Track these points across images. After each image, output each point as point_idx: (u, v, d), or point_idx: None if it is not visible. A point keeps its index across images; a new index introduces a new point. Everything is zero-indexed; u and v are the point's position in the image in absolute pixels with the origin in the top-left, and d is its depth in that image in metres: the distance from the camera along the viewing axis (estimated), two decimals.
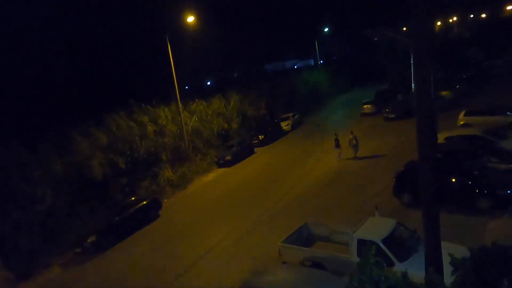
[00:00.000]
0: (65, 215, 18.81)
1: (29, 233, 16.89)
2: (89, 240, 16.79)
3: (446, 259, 5.51)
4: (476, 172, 13.18)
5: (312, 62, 63.84)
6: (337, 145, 22.02)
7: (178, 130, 27.01)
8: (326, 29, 57.68)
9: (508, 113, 20.16)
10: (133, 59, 32.57)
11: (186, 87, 40.04)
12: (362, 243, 9.66)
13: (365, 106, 33.78)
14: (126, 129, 24.45)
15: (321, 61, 56.41)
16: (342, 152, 22.01)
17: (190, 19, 24.87)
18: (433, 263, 6.20)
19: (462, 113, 21.64)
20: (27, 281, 15.41)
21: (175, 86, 25.85)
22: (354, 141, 21.74)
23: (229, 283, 11.39)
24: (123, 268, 14.96)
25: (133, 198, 20.03)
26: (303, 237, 12.16)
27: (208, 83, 51.53)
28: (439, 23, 68.12)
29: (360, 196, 16.21)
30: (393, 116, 29.16)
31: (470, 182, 12.87)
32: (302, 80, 45.82)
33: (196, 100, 30.79)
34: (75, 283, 14.76)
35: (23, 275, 15.54)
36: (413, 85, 25.64)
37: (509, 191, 12.33)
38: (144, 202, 19.54)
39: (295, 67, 64.16)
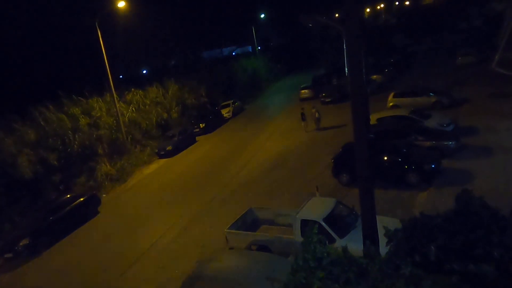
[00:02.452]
0: None
1: None
2: (21, 243, 15.61)
3: (381, 232, 5.93)
4: (405, 150, 14.22)
5: (250, 49, 64.05)
6: (303, 118, 23.86)
7: (115, 122, 25.79)
8: (262, 15, 58.05)
9: (431, 94, 21.90)
10: (61, 48, 30.31)
11: (120, 76, 38.28)
12: (305, 223, 10.02)
13: (303, 91, 34.74)
14: (56, 122, 22.86)
15: (259, 48, 56.80)
16: (308, 125, 23.77)
17: (121, 4, 23.56)
18: (370, 236, 6.63)
19: (391, 95, 23.10)
20: None
21: (108, 76, 24.52)
22: (317, 115, 23.57)
23: (177, 274, 11.27)
24: (61, 270, 14.11)
25: (68, 196, 18.83)
26: (248, 222, 12.35)
27: (144, 71, 49.64)
28: (368, 10, 71.75)
29: (302, 178, 16.76)
30: (329, 100, 30.34)
31: (400, 160, 13.86)
32: (240, 67, 45.91)
33: (132, 89, 29.60)
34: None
35: None
36: (346, 69, 26.88)
37: (433, 166, 13.50)
38: (81, 199, 18.49)
39: (233, 54, 63.96)
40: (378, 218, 7.30)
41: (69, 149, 22.21)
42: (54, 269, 14.39)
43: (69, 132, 22.85)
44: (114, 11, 25.04)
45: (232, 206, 15.44)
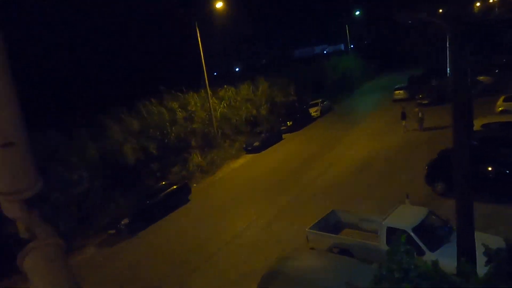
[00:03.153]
0: (100, 198, 19.58)
1: (66, 215, 17.71)
2: (122, 222, 17.46)
3: (479, 250, 5.37)
4: None
5: (342, 47, 62.47)
6: (403, 117, 22.97)
7: (207, 116, 27.31)
8: (357, 13, 56.10)
9: None
10: (163, 46, 33.01)
11: (215, 73, 40.26)
12: (391, 231, 9.50)
13: (397, 92, 32.85)
14: (156, 115, 25.00)
15: (351, 46, 55.11)
16: (408, 125, 22.82)
17: (219, 4, 24.83)
18: (466, 253, 6.04)
19: (501, 98, 20.66)
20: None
21: (204, 72, 26.05)
22: (420, 114, 22.46)
23: (256, 267, 11.56)
24: (154, 249, 15.50)
25: (164, 183, 20.59)
26: (330, 224, 12.13)
27: (237, 69, 51.57)
28: (478, 4, 64.84)
29: (390, 183, 15.91)
30: (426, 101, 28.23)
31: (507, 171, 12.35)
32: (332, 66, 45.07)
33: (225, 86, 30.96)
34: (109, 262, 15.42)
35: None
36: (448, 70, 24.82)
37: None
38: (174, 187, 20.07)
39: (325, 52, 62.98)
40: (476, 234, 6.63)
41: (166, 140, 24.16)
42: (148, 247, 15.86)
43: (167, 124, 24.84)
44: (211, 10, 26.45)
45: (314, 206, 15.30)
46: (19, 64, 21.94)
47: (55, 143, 19.72)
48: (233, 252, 13.64)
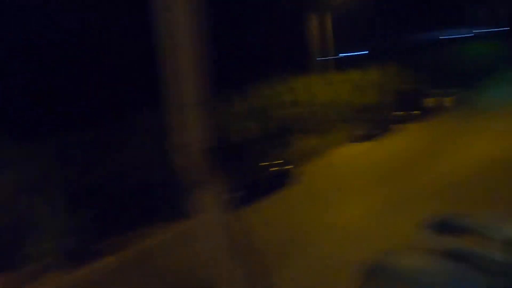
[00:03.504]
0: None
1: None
2: (237, 192, 18.14)
3: None
4: None
5: (495, 29, 53.21)
6: None
7: (315, 100, 26.80)
8: None
9: None
10: (278, 26, 32.84)
11: (340, 55, 38.59)
12: None
13: None
14: (264, 97, 25.42)
15: (497, 29, 46.51)
16: None
17: None
18: None
19: None
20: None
21: (315, 55, 25.52)
22: None
23: (358, 259, 10.80)
24: (250, 225, 15.57)
25: (267, 163, 20.86)
26: (451, 226, 10.67)
27: (360, 53, 48.60)
28: None
29: None
30: None
31: None
32: (475, 50, 39.39)
33: (336, 71, 29.95)
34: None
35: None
36: None
37: None
38: (277, 168, 20.15)
39: (471, 34, 54.51)
40: None
41: (271, 122, 24.43)
42: (257, 220, 16.05)
43: (275, 106, 25.08)
44: None
45: (434, 204, 13.60)
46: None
47: None
48: (334, 240, 13.06)
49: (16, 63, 22.96)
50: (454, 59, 38.54)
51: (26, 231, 13.29)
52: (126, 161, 16.75)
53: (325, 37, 31.80)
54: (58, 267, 13.04)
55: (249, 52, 32.50)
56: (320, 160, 23.73)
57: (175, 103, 2.85)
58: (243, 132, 22.95)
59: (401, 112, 28.56)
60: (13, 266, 12.58)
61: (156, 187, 15.28)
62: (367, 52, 44.85)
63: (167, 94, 2.82)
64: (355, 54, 39.93)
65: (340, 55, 38.77)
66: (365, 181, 18.31)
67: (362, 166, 20.77)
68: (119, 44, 24.79)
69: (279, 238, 14.05)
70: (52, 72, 23.95)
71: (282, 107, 25.37)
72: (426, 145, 21.80)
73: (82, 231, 13.25)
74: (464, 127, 23.69)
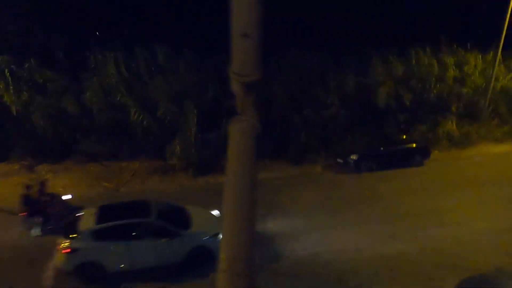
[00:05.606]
0: (343, 127, 20.80)
1: (310, 130, 19.85)
2: (352, 157, 18.29)
3: None
4: None
5: None
6: None
7: (484, 84, 23.34)
8: None
9: None
10: None
11: None
12: None
13: None
14: (425, 66, 23.18)
15: None
16: None
17: None
18: None
19: None
20: (295, 166, 18.77)
21: (501, 31, 21.62)
22: None
23: (464, 265, 10.27)
24: (371, 193, 15.85)
25: (404, 137, 19.87)
26: None
27: None
28: None
29: None
30: None
31: None
32: None
33: None
34: (329, 184, 16.85)
35: (294, 162, 18.98)
36: None
37: None
38: (413, 145, 19.12)
39: None
40: None
41: (425, 95, 22.43)
42: (365, 190, 16.31)
43: (433, 79, 22.77)
44: None
45: None
46: None
47: (322, 63, 21.66)
48: (445, 237, 12.45)
49: None
50: None
51: None
52: None
53: None
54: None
55: (421, 10, 29.23)
56: (469, 150, 21.16)
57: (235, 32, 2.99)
58: (391, 98, 21.81)
59: None
60: None
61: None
62: None
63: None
64: None
65: None
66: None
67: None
68: None
69: None
70: None
71: (444, 82, 22.74)
72: None
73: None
74: None
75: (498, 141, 22.43)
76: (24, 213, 12.02)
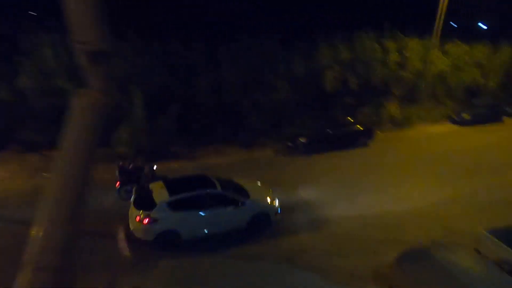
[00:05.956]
0: (292, 111, 21.13)
1: (261, 115, 19.98)
2: (301, 140, 18.68)
3: None
4: None
5: None
6: None
7: (422, 68, 24.69)
8: None
9: None
10: None
11: (455, 26, 34.58)
12: None
13: None
14: (369, 50, 24.00)
15: None
16: None
17: None
18: None
19: None
20: (246, 150, 18.91)
21: (437, 19, 22.93)
22: None
23: (406, 239, 10.98)
24: (322, 173, 16.34)
25: (350, 119, 20.59)
26: None
27: (483, 26, 42.69)
28: None
29: None
30: None
31: None
32: None
33: (456, 40, 26.77)
34: (281, 166, 17.14)
35: (245, 146, 19.09)
36: None
37: None
38: (359, 127, 19.90)
39: None
40: None
41: (369, 79, 23.33)
42: (315, 170, 16.84)
43: (377, 63, 23.68)
44: None
45: (502, 211, 13.08)
46: None
47: (271, 48, 21.70)
48: (387, 213, 13.21)
49: None
50: None
51: None
52: None
53: None
54: None
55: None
56: (410, 131, 22.59)
57: None
58: (337, 82, 22.41)
59: None
60: None
61: None
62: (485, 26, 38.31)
63: None
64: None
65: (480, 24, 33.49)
66: (447, 164, 17.36)
67: (452, 149, 19.45)
68: None
69: None
70: None
71: (386, 66, 23.77)
72: None
73: None
74: None
75: (435, 122, 24.08)
76: (118, 183, 13.36)
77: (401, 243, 10.45)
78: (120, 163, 13.89)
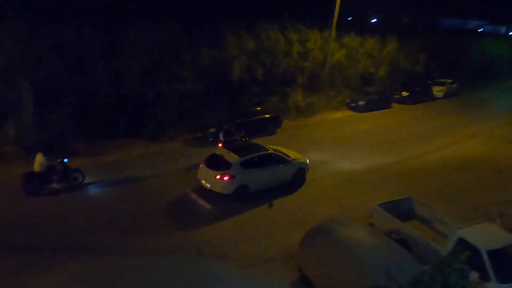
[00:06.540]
0: (199, 101, 20.83)
1: (166, 106, 19.33)
2: (210, 130, 18.54)
3: None
4: None
5: (503, 29, 52.95)
6: None
7: (322, 59, 26.28)
8: None
9: None
10: None
11: (349, 19, 37.53)
12: (462, 243, 8.59)
13: None
14: (273, 41, 24.74)
15: None
16: None
17: None
18: None
19: None
20: (154, 143, 18.19)
21: (334, 13, 24.57)
22: None
23: (308, 220, 11.60)
24: None
25: (258, 108, 21.04)
26: (401, 210, 11.37)
27: (374, 20, 47.22)
28: None
29: (486, 196, 14.18)
30: None
31: None
32: (479, 47, 38.90)
33: (351, 33, 29.01)
34: (191, 157, 16.62)
35: (153, 139, 18.35)
36: None
37: None
38: (267, 115, 20.42)
39: (479, 30, 54.10)
40: None
41: (274, 69, 24.09)
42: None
43: (281, 54, 24.55)
44: None
45: (394, 186, 14.60)
46: None
47: (175, 36, 21.01)
48: (295, 198, 13.86)
49: None
50: (474, 53, 37.75)
51: None
52: None
53: None
54: None
55: None
56: (313, 118, 23.81)
57: None
58: (244, 72, 22.68)
59: (404, 93, 28.41)
60: None
61: None
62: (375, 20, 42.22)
63: None
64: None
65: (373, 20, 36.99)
66: (345, 146, 18.82)
67: (349, 133, 21.12)
68: None
69: None
70: None
71: (290, 57, 24.78)
72: (417, 129, 22.05)
73: None
74: (452, 122, 23.95)
75: (335, 109, 25.87)
76: (221, 144, 15.49)
77: (305, 224, 11.02)
78: (225, 127, 16.39)
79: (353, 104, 25.99)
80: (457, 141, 20.56)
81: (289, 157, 14.46)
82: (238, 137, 16.27)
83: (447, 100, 30.44)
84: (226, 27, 23.25)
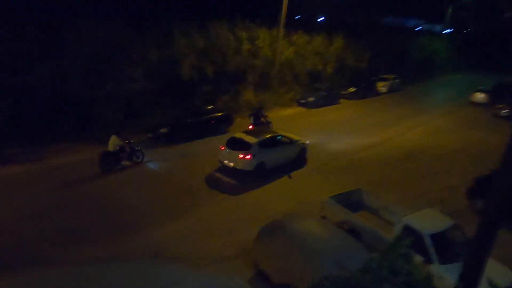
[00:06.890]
0: (149, 101, 20.27)
1: (115, 106, 18.63)
2: (161, 130, 18.13)
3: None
4: None
5: (438, 28, 56.55)
6: None
7: (272, 57, 26.60)
8: None
9: None
10: None
11: (297, 17, 38.20)
12: (408, 229, 9.14)
13: (478, 94, 29.98)
14: (223, 39, 24.64)
15: (451, 30, 49.31)
16: None
17: None
18: (468, 278, 5.62)
19: None
20: (100, 145, 17.41)
21: (282, 12, 24.93)
22: None
23: (264, 216, 11.73)
24: (183, 162, 16.21)
25: (210, 107, 20.87)
26: (351, 201, 11.83)
27: (321, 19, 48.42)
28: None
29: (427, 184, 15.12)
30: (506, 113, 25.61)
31: None
32: (417, 45, 41.44)
33: (299, 32, 29.63)
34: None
35: (102, 141, 17.49)
36: None
37: None
38: (218, 114, 20.31)
39: (416, 29, 57.32)
40: (490, 262, 6.11)
41: (224, 67, 24.02)
42: (177, 160, 16.60)
43: (231, 51, 24.51)
44: None
45: (344, 178, 15.12)
46: None
47: (124, 34, 20.26)
48: (252, 194, 13.96)
49: None
50: (413, 50, 40.14)
51: None
52: None
53: None
54: None
55: None
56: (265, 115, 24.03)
57: None
58: (194, 70, 22.40)
59: (350, 89, 29.55)
60: None
61: None
62: (322, 19, 43.83)
63: None
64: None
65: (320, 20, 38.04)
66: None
67: (300, 128, 21.43)
68: None
69: None
70: None
71: (240, 55, 24.81)
72: (364, 123, 23.01)
73: None
74: (395, 115, 25.38)
75: (286, 106, 26.33)
76: (252, 126, 19.26)
77: (260, 220, 11.12)
78: (254, 111, 20.14)
79: (303, 101, 26.58)
80: (400, 132, 21.78)
81: (293, 139, 16.54)
82: (264, 121, 19.91)
83: (390, 94, 32.15)
84: (176, 25, 22.81)
